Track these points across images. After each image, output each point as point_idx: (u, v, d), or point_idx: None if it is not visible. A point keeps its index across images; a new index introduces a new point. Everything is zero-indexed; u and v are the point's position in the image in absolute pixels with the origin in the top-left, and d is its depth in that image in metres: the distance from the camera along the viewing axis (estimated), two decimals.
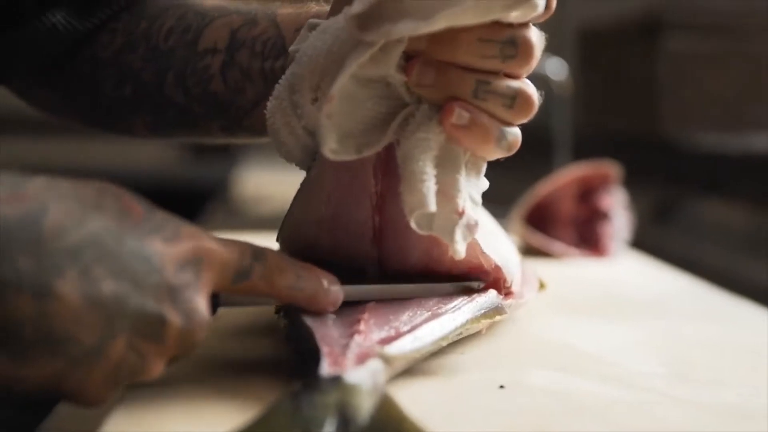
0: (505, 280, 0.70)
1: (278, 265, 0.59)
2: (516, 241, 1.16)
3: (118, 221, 0.53)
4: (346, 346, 0.57)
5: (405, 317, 0.63)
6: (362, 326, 0.60)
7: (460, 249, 0.62)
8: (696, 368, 0.66)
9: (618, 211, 1.20)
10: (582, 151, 1.57)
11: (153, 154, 3.33)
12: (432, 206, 0.61)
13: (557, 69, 1.57)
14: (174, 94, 0.79)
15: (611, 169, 1.20)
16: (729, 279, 1.22)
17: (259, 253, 0.59)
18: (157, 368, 0.54)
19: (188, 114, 0.80)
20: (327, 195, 0.69)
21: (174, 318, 0.53)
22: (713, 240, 1.58)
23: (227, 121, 0.78)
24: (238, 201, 2.06)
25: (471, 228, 0.62)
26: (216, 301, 0.59)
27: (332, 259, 0.68)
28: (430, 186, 0.61)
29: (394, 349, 0.58)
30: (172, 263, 0.53)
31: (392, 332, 0.60)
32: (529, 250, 1.16)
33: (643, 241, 1.23)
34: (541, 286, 0.81)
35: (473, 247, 0.67)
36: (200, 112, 0.79)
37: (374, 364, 0.55)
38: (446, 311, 0.64)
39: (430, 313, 0.64)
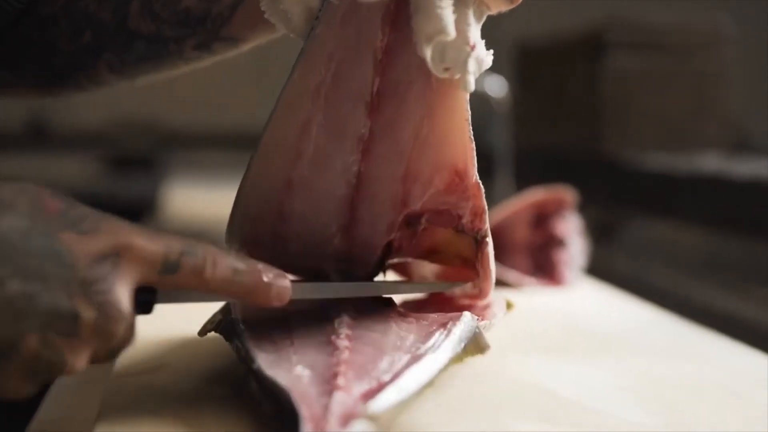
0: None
1: (212, 259, 0.59)
2: None
3: (29, 219, 0.54)
4: (326, 407, 0.55)
5: (384, 364, 0.61)
6: (341, 380, 0.58)
7: (470, 81, 0.64)
8: (685, 416, 0.65)
9: (573, 237, 1.18)
10: (523, 169, 1.56)
11: (72, 169, 3.26)
12: (451, 31, 0.63)
13: (496, 87, 1.57)
14: (140, 24, 0.78)
15: (566, 194, 1.19)
16: (681, 302, 1.21)
17: (190, 246, 0.59)
18: (78, 363, 0.55)
19: (157, 42, 0.79)
20: (329, 54, 0.69)
21: (87, 312, 0.54)
22: (661, 261, 1.58)
23: (202, 36, 0.78)
24: (167, 219, 2.01)
25: (481, 62, 0.65)
26: (152, 297, 0.60)
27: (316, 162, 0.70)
28: (448, 12, 0.64)
29: (379, 405, 0.55)
30: (86, 257, 0.55)
31: (374, 384, 0.58)
32: None
33: (588, 263, 1.22)
34: (509, 306, 0.80)
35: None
36: (171, 36, 0.78)
37: (360, 426, 0.53)
38: (426, 351, 0.63)
39: (409, 356, 0.62)
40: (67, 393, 0.78)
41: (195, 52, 0.79)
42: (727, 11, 1.84)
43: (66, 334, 0.54)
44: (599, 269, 1.26)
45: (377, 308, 0.71)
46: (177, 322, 0.86)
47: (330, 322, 0.67)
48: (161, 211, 2.14)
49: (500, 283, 1.12)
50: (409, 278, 0.90)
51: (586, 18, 1.84)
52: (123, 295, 0.56)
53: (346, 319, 0.67)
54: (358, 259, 0.74)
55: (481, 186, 0.71)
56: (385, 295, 0.74)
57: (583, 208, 1.23)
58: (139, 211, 2.55)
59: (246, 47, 0.79)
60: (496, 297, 0.78)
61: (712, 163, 1.56)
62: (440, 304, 0.80)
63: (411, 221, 0.74)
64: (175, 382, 0.68)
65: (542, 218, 1.18)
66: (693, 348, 0.86)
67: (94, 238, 0.56)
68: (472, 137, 0.70)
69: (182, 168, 3.11)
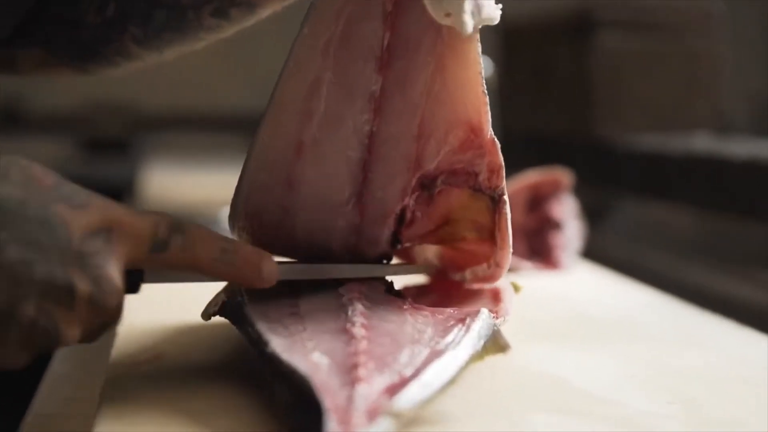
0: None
1: (200, 237, 0.60)
2: None
3: (23, 189, 0.55)
4: (350, 399, 0.54)
5: (404, 357, 0.60)
6: (362, 371, 0.57)
7: (467, 22, 0.64)
8: (703, 406, 0.64)
9: (569, 220, 1.17)
10: (511, 152, 1.54)
11: (47, 152, 3.23)
12: None
13: (483, 67, 1.55)
14: None
15: (562, 176, 1.17)
16: (675, 284, 1.20)
17: (178, 224, 0.60)
18: (72, 334, 0.56)
19: (176, 10, 0.79)
20: (337, 11, 0.69)
21: (82, 285, 0.55)
22: (654, 243, 1.57)
23: (218, 2, 0.78)
24: (146, 202, 1.99)
25: (481, 7, 0.65)
26: (140, 277, 0.61)
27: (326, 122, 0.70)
28: None
29: (404, 401, 0.55)
30: (80, 230, 0.56)
31: (395, 377, 0.57)
32: None
33: (581, 246, 1.21)
34: (516, 288, 0.79)
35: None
36: (188, 3, 0.78)
37: (385, 423, 0.52)
38: (446, 347, 0.62)
39: (428, 350, 0.61)
40: (64, 386, 0.77)
41: (213, 20, 0.80)
42: None
43: (61, 304, 0.55)
44: (591, 252, 1.25)
45: (389, 298, 0.71)
46: (166, 308, 0.85)
47: (342, 309, 0.67)
48: (140, 195, 2.11)
49: None
50: (410, 259, 0.88)
51: None
52: (116, 270, 0.57)
53: (359, 307, 0.67)
54: (369, 231, 0.73)
55: (497, 142, 0.71)
56: (395, 287, 0.73)
57: (573, 191, 1.22)
58: (117, 194, 2.52)
59: (264, 13, 0.80)
60: (505, 286, 0.77)
61: (704, 143, 1.56)
62: (447, 290, 0.79)
63: (426, 184, 0.73)
64: (175, 372, 0.68)
65: (537, 201, 1.17)
66: (697, 333, 0.86)
67: (86, 213, 0.56)
68: (486, 91, 0.70)
69: (160, 151, 3.08)
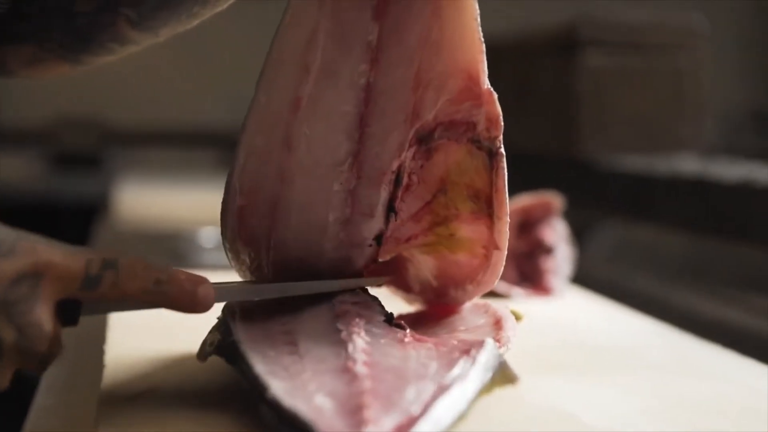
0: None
1: (132, 272, 0.61)
2: None
3: None
4: None
5: (410, 394, 0.58)
6: (368, 413, 0.55)
7: None
8: None
9: (560, 244, 1.15)
10: None
11: (16, 168, 3.18)
12: None
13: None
14: None
15: (553, 200, 1.15)
16: (658, 306, 1.19)
17: (110, 261, 0.61)
18: (3, 381, 0.58)
19: None
20: None
21: (7, 334, 0.57)
22: (637, 265, 1.56)
23: None
24: (118, 219, 1.95)
25: None
26: (77, 309, 0.61)
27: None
28: None
29: None
30: (4, 279, 0.56)
31: (403, 416, 0.55)
32: None
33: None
34: (517, 317, 0.77)
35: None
36: None
37: None
38: (453, 381, 0.60)
39: (435, 384, 0.59)
40: (51, 420, 0.74)
41: None
42: (701, 10, 1.82)
43: None
44: (575, 274, 1.23)
45: (389, 330, 0.68)
46: (153, 336, 0.84)
47: (342, 345, 0.65)
48: (112, 211, 2.08)
49: (490, 293, 1.09)
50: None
51: (555, 16, 1.81)
52: (44, 313, 0.58)
53: (360, 343, 0.65)
54: (365, 196, 0.72)
55: (494, 92, 0.71)
56: (395, 320, 0.71)
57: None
58: (89, 210, 2.49)
59: None
60: (506, 314, 0.75)
61: (690, 165, 1.54)
62: (444, 317, 0.79)
63: (423, 137, 0.73)
64: (172, 407, 0.65)
65: (528, 225, 1.15)
66: (700, 363, 0.84)
67: (10, 260, 0.57)
68: (482, 39, 0.70)
69: (131, 166, 3.04)
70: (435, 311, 0.81)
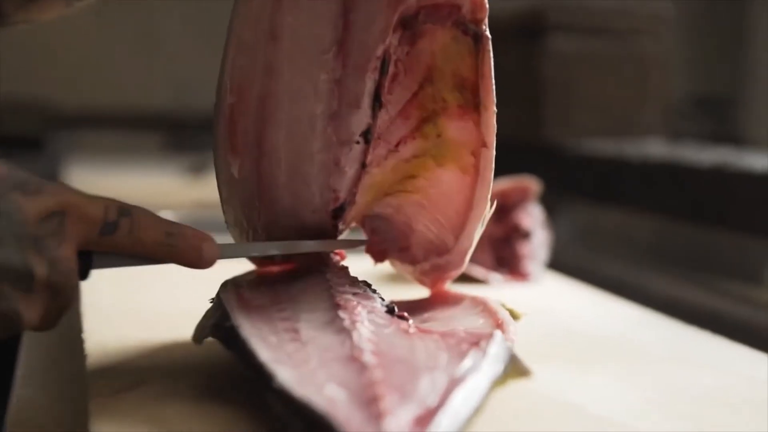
0: None
1: (145, 221, 0.63)
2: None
3: None
4: None
5: (424, 386, 0.56)
6: (384, 404, 0.53)
7: None
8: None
9: (537, 229, 1.14)
10: None
11: None
12: None
13: None
14: None
15: (530, 184, 1.14)
16: (632, 290, 1.18)
17: (125, 208, 0.63)
18: (32, 317, 0.59)
19: None
20: None
21: (40, 267, 0.58)
22: (604, 249, 1.55)
23: None
24: None
25: None
26: (89, 262, 0.63)
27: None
28: None
29: None
30: (34, 215, 0.58)
31: (421, 408, 0.54)
32: None
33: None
34: (515, 316, 0.75)
35: None
36: None
37: None
38: (465, 373, 0.59)
39: (448, 376, 0.58)
40: (32, 412, 0.71)
41: None
42: None
43: (20, 287, 0.58)
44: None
45: (392, 321, 0.67)
46: (132, 324, 0.83)
47: (346, 334, 0.63)
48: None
49: (467, 278, 1.07)
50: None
51: (520, 0, 1.80)
52: (70, 251, 0.60)
53: (365, 332, 0.63)
54: (351, 86, 0.72)
55: None
56: (398, 310, 0.69)
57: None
58: None
59: None
60: (506, 317, 0.73)
61: (656, 149, 1.54)
62: (440, 304, 0.79)
63: (407, 22, 0.72)
64: (164, 400, 0.63)
65: (505, 210, 1.14)
66: (694, 351, 0.83)
67: (40, 198, 0.59)
68: None
69: (76, 150, 2.99)
70: (430, 300, 0.80)
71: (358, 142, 0.73)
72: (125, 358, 0.73)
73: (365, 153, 0.74)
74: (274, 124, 0.72)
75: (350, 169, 0.73)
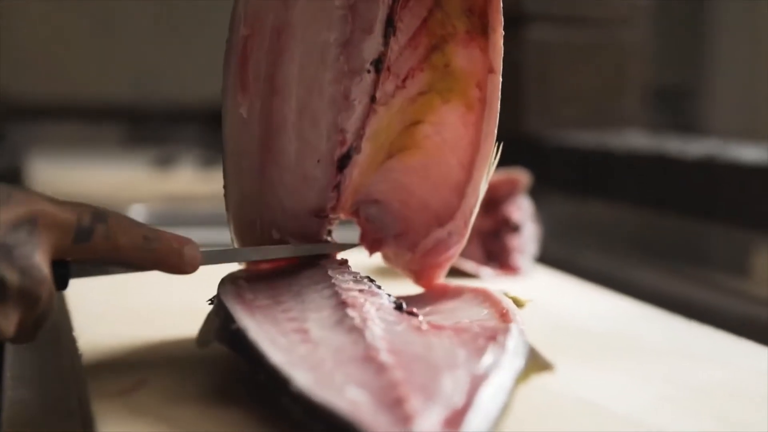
0: None
1: (122, 226, 0.62)
2: None
3: None
4: None
5: (447, 385, 0.55)
6: (410, 406, 0.52)
7: None
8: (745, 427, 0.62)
9: (526, 222, 1.13)
10: None
11: None
12: None
13: None
14: None
15: (519, 176, 1.13)
16: (616, 283, 1.17)
17: (100, 214, 0.62)
18: (9, 327, 0.58)
19: None
20: None
21: (11, 276, 0.57)
22: (585, 242, 1.55)
23: None
24: None
25: None
26: (67, 271, 0.62)
27: None
28: None
29: None
30: (4, 223, 0.58)
31: (449, 410, 0.52)
32: None
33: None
34: (519, 304, 0.74)
35: None
36: None
37: None
38: (487, 370, 0.57)
39: (469, 374, 0.56)
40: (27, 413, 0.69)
41: None
42: None
43: None
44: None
45: (402, 317, 0.66)
46: (126, 322, 0.82)
47: (358, 332, 0.61)
48: (26, 187, 2.00)
49: (457, 272, 1.06)
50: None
51: None
52: (42, 259, 0.59)
53: (377, 331, 0.62)
54: (363, 12, 0.72)
55: None
56: (406, 307, 0.68)
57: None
58: None
59: None
60: (510, 306, 0.71)
61: (637, 140, 1.54)
62: (442, 297, 0.78)
63: None
64: (169, 403, 0.61)
65: (494, 203, 1.12)
66: (704, 348, 0.82)
67: (8, 207, 0.58)
68: None
69: (36, 142, 2.95)
70: (429, 294, 0.79)
71: (369, 71, 0.72)
72: (121, 356, 0.71)
73: (375, 84, 0.73)
74: (287, 57, 0.72)
75: (359, 104, 0.73)
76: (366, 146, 0.75)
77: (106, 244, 0.61)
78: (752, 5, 3.74)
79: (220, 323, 0.65)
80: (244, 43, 0.72)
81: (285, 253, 0.74)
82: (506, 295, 0.74)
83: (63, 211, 0.61)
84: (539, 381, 0.65)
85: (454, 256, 0.80)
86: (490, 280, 1.06)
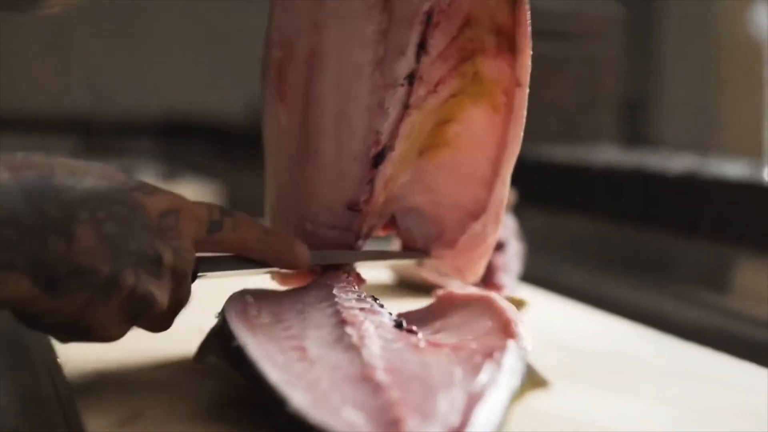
0: None
1: (246, 221, 0.69)
2: (405, 276, 1.08)
3: (106, 180, 0.63)
4: None
5: (443, 404, 0.54)
6: (407, 427, 0.51)
7: None
8: None
9: (511, 240, 1.12)
10: None
11: None
12: None
13: None
14: None
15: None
16: (595, 299, 1.17)
17: (226, 210, 0.68)
18: (163, 301, 0.63)
19: None
20: None
21: (167, 254, 0.63)
22: (564, 258, 1.54)
23: None
24: None
25: None
26: (197, 267, 0.67)
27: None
28: None
29: None
30: (155, 211, 0.64)
31: (444, 429, 0.52)
32: (421, 288, 1.05)
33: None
34: (520, 304, 0.73)
35: None
36: None
37: None
38: (482, 388, 0.57)
39: (465, 393, 0.56)
40: None
41: None
42: None
43: (153, 273, 0.62)
44: None
45: (401, 336, 0.65)
46: (110, 349, 0.77)
47: (354, 351, 0.61)
48: None
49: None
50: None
51: None
52: (189, 243, 0.65)
53: (374, 349, 0.61)
54: (397, 36, 0.75)
55: None
56: (407, 323, 0.68)
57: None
58: None
59: None
60: (514, 316, 0.71)
61: (611, 155, 1.54)
62: (447, 311, 0.77)
63: None
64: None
65: None
66: (701, 368, 0.81)
67: (157, 198, 0.64)
68: None
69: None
70: (438, 307, 0.79)
71: (402, 85, 0.76)
72: (111, 383, 0.70)
73: (408, 94, 0.76)
74: (322, 76, 0.77)
75: (393, 110, 0.76)
76: (399, 144, 0.77)
77: (233, 235, 0.68)
78: (702, 15, 3.77)
79: (221, 341, 0.65)
80: (279, 63, 0.79)
81: (379, 256, 0.83)
82: (507, 299, 0.75)
83: (198, 205, 0.67)
84: (535, 400, 0.64)
85: (492, 246, 0.82)
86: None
